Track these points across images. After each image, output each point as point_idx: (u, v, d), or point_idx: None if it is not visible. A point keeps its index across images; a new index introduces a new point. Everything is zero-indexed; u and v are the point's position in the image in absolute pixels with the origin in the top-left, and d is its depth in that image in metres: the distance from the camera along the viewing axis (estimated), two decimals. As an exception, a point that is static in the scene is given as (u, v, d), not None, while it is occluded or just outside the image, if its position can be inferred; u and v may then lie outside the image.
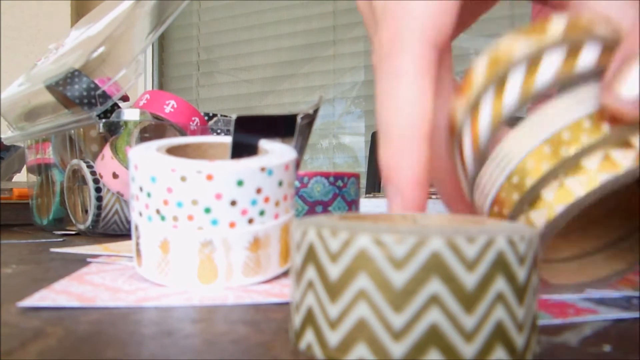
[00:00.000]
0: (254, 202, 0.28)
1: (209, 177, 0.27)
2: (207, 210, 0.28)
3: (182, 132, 0.58)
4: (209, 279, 0.28)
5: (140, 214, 0.29)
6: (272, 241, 0.30)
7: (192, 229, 0.28)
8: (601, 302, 0.24)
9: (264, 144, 0.35)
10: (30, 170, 0.71)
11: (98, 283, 0.29)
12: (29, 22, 1.70)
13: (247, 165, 0.28)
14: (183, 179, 0.27)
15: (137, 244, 0.30)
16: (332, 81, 1.60)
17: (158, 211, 0.28)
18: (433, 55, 0.24)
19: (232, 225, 0.28)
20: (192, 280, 0.28)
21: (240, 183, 0.28)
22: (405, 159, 0.23)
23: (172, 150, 0.33)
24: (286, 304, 0.25)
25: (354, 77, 1.57)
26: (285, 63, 1.67)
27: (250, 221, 0.28)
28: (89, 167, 0.57)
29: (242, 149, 0.33)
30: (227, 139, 0.36)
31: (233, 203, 0.28)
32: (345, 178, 0.52)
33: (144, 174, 0.29)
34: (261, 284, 0.29)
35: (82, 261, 0.38)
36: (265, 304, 0.25)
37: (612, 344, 0.18)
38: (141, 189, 0.29)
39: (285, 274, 0.32)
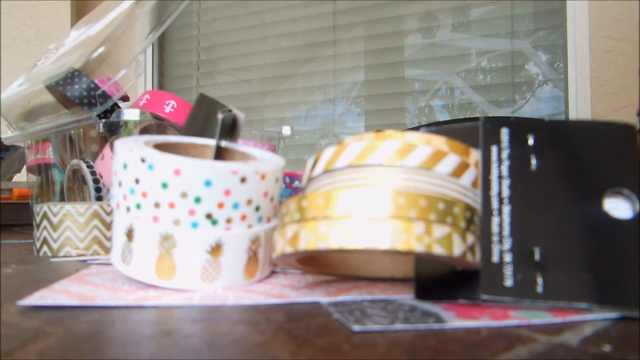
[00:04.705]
0: (219, 205, 0.28)
1: (177, 172, 0.27)
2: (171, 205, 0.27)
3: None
4: (167, 274, 0.28)
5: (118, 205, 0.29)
6: (237, 250, 0.29)
7: (152, 222, 0.28)
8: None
9: (250, 150, 0.35)
10: (30, 170, 0.71)
11: (98, 283, 0.29)
12: (29, 22, 1.69)
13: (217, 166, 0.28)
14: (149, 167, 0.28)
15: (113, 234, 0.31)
16: (332, 81, 1.60)
17: (125, 196, 0.29)
18: None
19: (195, 224, 0.28)
20: (150, 274, 0.28)
21: (208, 183, 0.27)
22: None
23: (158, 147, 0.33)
24: (286, 304, 0.25)
25: (354, 77, 1.57)
26: (285, 63, 1.67)
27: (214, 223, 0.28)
28: (89, 167, 0.57)
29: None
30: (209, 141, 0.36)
31: (198, 200, 0.27)
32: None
33: (122, 164, 0.29)
34: (261, 285, 0.29)
35: (82, 262, 0.38)
36: (265, 304, 0.25)
37: (612, 344, 0.18)
38: (120, 184, 0.29)
39: (285, 274, 0.32)
